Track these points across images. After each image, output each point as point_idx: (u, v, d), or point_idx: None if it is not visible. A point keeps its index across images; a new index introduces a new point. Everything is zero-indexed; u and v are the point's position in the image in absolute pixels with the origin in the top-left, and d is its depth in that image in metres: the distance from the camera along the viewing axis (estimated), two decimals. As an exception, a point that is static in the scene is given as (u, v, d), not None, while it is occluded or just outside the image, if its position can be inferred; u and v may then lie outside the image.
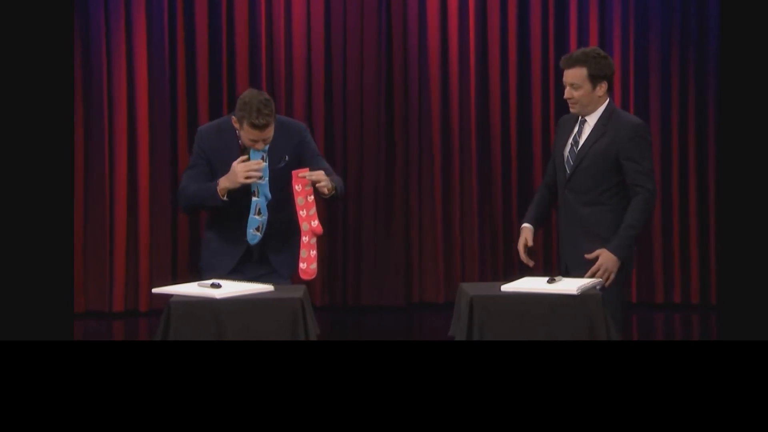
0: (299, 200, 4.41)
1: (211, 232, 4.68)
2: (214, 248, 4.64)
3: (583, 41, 7.52)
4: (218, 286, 4.06)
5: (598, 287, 4.15)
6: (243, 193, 4.48)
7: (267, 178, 4.49)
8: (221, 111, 7.43)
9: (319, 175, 4.39)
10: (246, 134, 4.40)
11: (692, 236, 7.73)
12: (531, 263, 4.56)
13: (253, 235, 4.54)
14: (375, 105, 7.61)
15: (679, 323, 7.59)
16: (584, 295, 3.98)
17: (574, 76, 4.47)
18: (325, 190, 4.41)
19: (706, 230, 7.70)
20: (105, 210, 7.38)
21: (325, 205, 7.51)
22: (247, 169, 4.38)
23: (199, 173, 4.57)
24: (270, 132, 4.42)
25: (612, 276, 4.35)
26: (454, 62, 7.63)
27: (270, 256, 4.59)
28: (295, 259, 4.54)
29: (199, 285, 4.12)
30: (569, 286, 4.01)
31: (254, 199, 4.51)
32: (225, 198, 4.43)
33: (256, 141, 4.40)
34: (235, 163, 4.41)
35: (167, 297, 4.05)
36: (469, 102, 7.65)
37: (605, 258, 4.36)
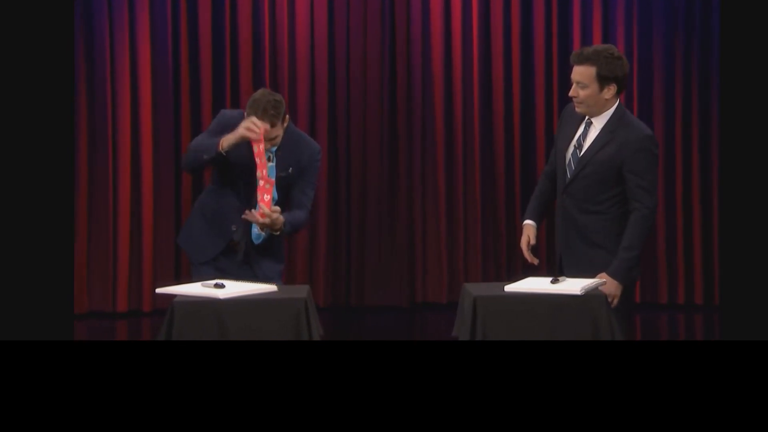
0: (255, 148, 4.39)
1: (200, 213, 4.67)
2: (198, 230, 4.63)
3: (586, 42, 7.52)
4: (222, 286, 4.05)
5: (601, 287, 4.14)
6: (244, 184, 4.48)
7: (273, 178, 4.50)
8: (225, 111, 7.45)
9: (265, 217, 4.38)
10: None
11: (696, 237, 7.73)
12: (536, 261, 4.42)
13: (258, 234, 4.54)
14: (378, 104, 7.61)
15: (683, 324, 7.60)
16: (588, 296, 3.97)
17: (582, 74, 4.23)
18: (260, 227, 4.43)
19: (709, 231, 7.71)
20: (108, 210, 7.39)
21: (328, 205, 7.59)
22: (250, 124, 4.34)
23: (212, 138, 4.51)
24: (276, 132, 4.43)
25: (615, 300, 4.18)
26: (457, 64, 7.63)
27: (255, 258, 4.59)
28: (280, 263, 4.64)
29: (203, 285, 4.12)
30: (573, 286, 4.00)
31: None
32: (223, 152, 4.39)
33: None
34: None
35: (171, 297, 4.06)
36: (472, 103, 7.66)
37: (606, 285, 4.16)
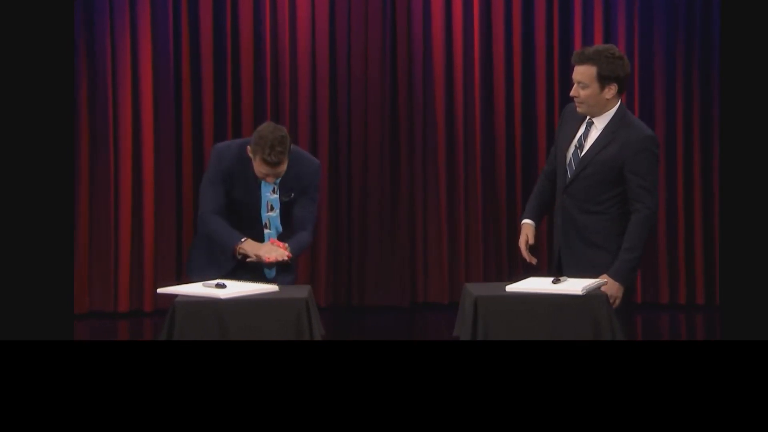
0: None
1: (202, 245, 4.66)
2: (203, 259, 4.63)
3: (587, 41, 7.51)
4: (223, 286, 4.06)
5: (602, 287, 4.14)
6: (248, 219, 4.50)
7: (278, 211, 4.51)
8: (226, 110, 7.45)
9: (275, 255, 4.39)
10: (258, 167, 4.40)
11: (697, 237, 7.72)
12: (534, 261, 4.40)
13: (269, 271, 4.55)
14: (379, 104, 7.60)
15: (684, 324, 7.59)
16: (589, 296, 3.97)
17: (583, 74, 4.22)
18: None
19: (710, 231, 7.70)
20: (110, 210, 7.39)
21: (330, 204, 7.58)
22: (276, 256, 4.36)
23: (218, 194, 4.51)
24: (282, 168, 4.40)
25: (618, 301, 4.19)
26: (458, 63, 7.62)
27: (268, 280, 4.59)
28: (291, 274, 4.66)
29: (204, 285, 4.13)
30: (574, 286, 4.00)
31: (267, 231, 4.55)
32: (239, 257, 4.44)
33: (267, 175, 4.41)
34: (268, 244, 4.42)
35: (172, 297, 4.06)
36: (473, 102, 7.65)
37: (607, 286, 4.17)
